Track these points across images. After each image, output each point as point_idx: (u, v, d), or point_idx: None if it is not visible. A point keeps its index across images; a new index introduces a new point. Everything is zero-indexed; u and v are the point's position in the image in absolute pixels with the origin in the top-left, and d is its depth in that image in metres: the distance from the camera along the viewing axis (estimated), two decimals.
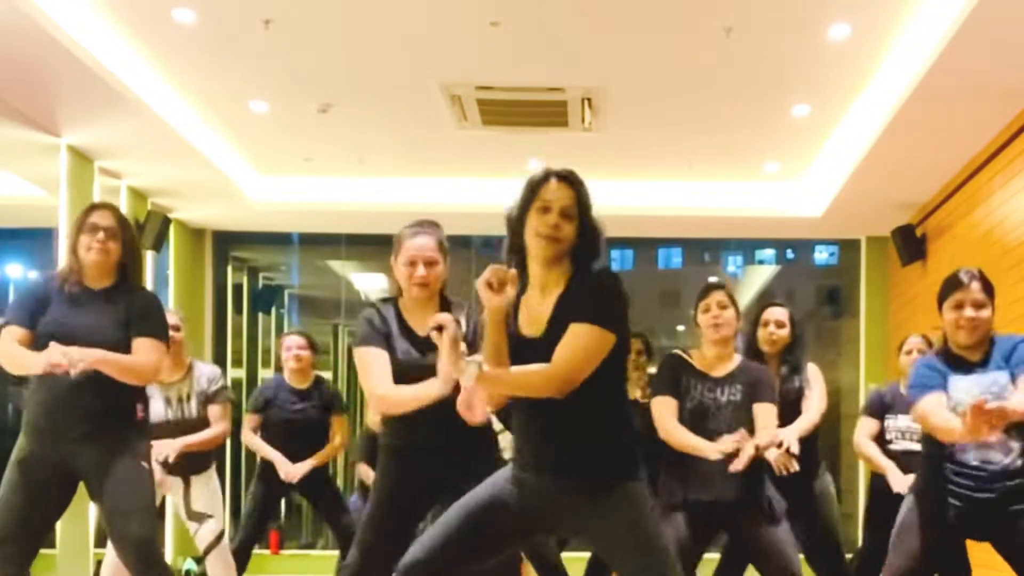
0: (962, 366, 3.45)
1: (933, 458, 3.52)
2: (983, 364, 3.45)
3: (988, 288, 3.49)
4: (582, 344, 2.49)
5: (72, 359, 3.22)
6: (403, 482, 3.31)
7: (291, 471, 5.37)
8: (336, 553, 5.98)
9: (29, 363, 3.34)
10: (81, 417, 3.42)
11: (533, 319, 2.62)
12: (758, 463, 3.78)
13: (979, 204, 6.66)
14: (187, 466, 4.78)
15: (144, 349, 3.48)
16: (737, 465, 3.56)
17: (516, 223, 2.64)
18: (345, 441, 5.75)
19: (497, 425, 3.50)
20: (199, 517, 4.81)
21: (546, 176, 2.62)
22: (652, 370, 5.60)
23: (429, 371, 3.10)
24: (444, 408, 2.98)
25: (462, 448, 3.23)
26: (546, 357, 2.52)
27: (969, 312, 3.43)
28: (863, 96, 6.17)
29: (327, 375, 9.56)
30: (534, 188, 2.61)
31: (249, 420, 5.57)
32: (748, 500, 3.80)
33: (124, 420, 3.51)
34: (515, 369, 2.55)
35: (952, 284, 3.50)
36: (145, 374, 3.50)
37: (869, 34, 5.33)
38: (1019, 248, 5.92)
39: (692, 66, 5.77)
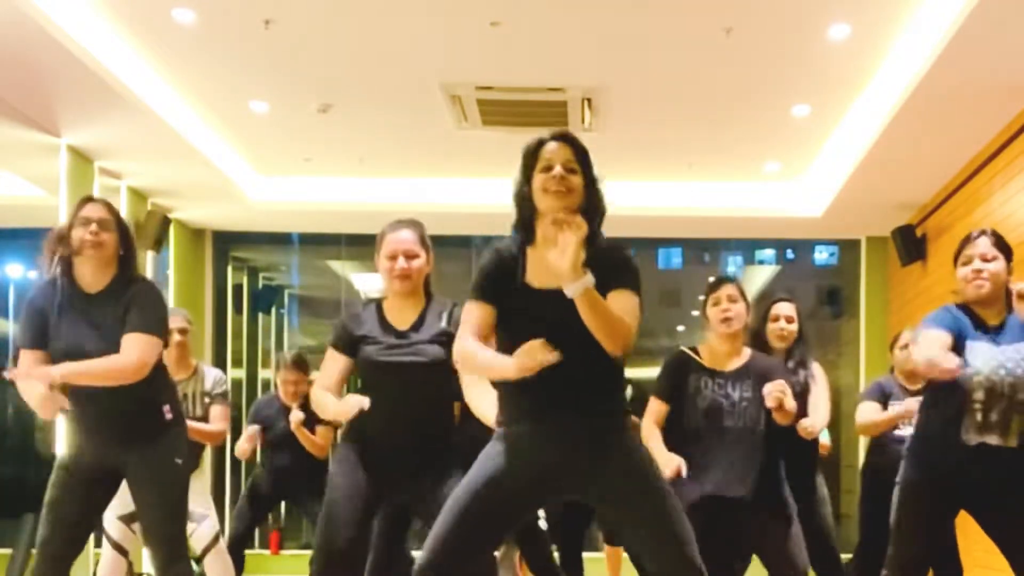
0: (980, 326, 3.42)
1: (932, 438, 3.51)
2: (1000, 329, 3.42)
3: (1000, 244, 3.48)
4: (634, 308, 2.61)
5: (47, 380, 3.21)
6: (359, 470, 3.36)
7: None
8: None
9: (28, 399, 3.31)
10: (112, 429, 3.43)
11: (549, 272, 2.58)
12: (775, 462, 3.82)
13: (979, 204, 6.66)
14: None
15: (128, 345, 3.35)
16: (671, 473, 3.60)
17: (521, 192, 2.70)
18: (326, 445, 5.67)
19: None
20: (196, 517, 4.78)
21: (540, 141, 2.70)
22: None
23: (404, 366, 3.30)
24: (401, 402, 3.25)
25: (418, 441, 3.33)
26: (570, 309, 2.52)
27: (977, 264, 3.43)
28: (863, 96, 6.17)
29: None
30: (532, 153, 2.69)
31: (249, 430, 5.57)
32: (763, 499, 3.80)
33: (154, 423, 3.50)
34: (607, 303, 2.55)
35: (963, 242, 3.52)
36: (126, 373, 3.35)
37: (869, 34, 5.34)
38: (1019, 248, 5.90)
39: (692, 66, 5.77)
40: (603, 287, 2.56)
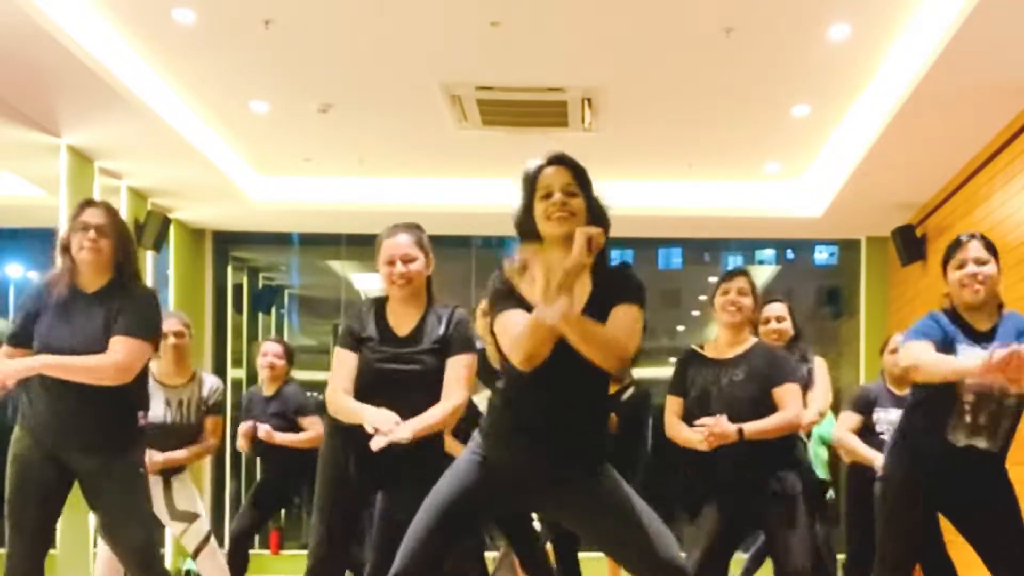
0: (970, 334, 3.39)
1: (916, 438, 3.50)
2: (990, 335, 3.39)
3: (990, 247, 3.45)
4: (634, 322, 2.59)
5: (6, 374, 3.20)
6: (349, 461, 3.36)
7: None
8: None
9: None
10: (81, 431, 3.37)
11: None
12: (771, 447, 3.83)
13: (979, 204, 6.66)
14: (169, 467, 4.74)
15: (114, 347, 3.33)
16: (704, 445, 3.72)
17: (523, 218, 2.69)
18: (318, 436, 5.66)
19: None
20: (187, 517, 4.77)
21: (539, 166, 2.68)
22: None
23: (399, 372, 3.29)
24: (394, 409, 3.16)
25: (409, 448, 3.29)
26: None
27: (972, 268, 3.40)
28: (863, 96, 6.17)
29: (328, 375, 9.55)
30: (532, 180, 2.67)
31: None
32: (753, 485, 3.83)
33: (125, 430, 3.46)
34: (596, 325, 2.53)
35: (953, 246, 3.50)
36: (107, 373, 3.30)
37: (869, 34, 5.34)
38: (1019, 248, 5.91)
39: (692, 66, 5.77)
40: (608, 305, 2.58)
